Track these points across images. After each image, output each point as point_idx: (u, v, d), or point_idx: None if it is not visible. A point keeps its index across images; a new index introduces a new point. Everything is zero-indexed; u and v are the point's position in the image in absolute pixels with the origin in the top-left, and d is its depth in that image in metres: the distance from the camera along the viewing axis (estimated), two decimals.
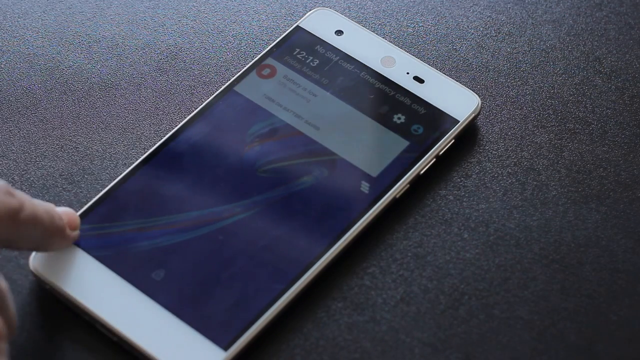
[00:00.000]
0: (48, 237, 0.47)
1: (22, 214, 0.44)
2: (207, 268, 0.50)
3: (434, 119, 0.54)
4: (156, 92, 0.57)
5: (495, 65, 0.58)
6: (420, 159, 0.53)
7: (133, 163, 0.54)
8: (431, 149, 0.53)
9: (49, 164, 0.54)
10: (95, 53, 0.58)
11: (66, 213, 0.48)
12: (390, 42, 0.58)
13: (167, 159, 0.53)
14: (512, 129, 0.56)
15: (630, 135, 0.56)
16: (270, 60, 0.56)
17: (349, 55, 0.57)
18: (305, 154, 0.53)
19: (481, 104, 0.55)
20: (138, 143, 0.55)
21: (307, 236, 0.51)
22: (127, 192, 0.52)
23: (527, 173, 0.55)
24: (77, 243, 0.50)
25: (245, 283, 0.49)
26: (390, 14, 0.60)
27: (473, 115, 0.55)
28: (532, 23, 0.60)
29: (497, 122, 0.56)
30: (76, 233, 0.49)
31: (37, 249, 0.48)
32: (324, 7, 0.59)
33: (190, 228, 0.51)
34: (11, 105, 0.56)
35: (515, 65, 0.58)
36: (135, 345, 0.48)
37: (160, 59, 0.58)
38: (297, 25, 0.58)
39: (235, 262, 0.50)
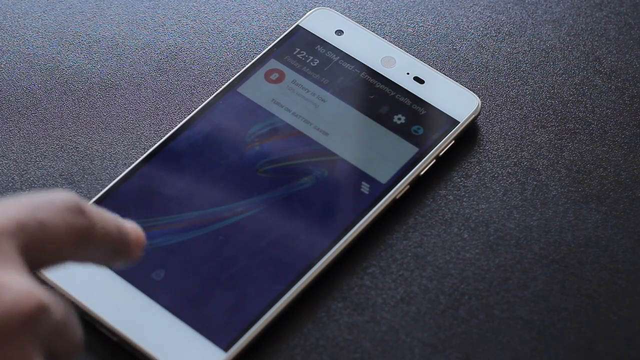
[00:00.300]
0: (115, 255, 0.44)
1: (92, 233, 0.42)
2: (207, 268, 0.50)
3: (434, 120, 0.54)
4: (156, 92, 0.57)
5: (495, 65, 0.58)
6: (420, 160, 0.53)
7: (133, 163, 0.54)
8: (431, 150, 0.53)
9: (49, 164, 0.54)
10: (95, 53, 0.58)
11: (133, 230, 0.45)
12: (390, 42, 0.58)
13: (167, 158, 0.53)
14: (512, 129, 0.56)
15: (630, 135, 0.56)
16: (276, 64, 0.56)
17: (349, 55, 0.57)
18: (304, 154, 0.53)
19: (481, 105, 0.55)
20: (138, 143, 0.55)
21: (307, 237, 0.51)
22: (127, 192, 0.52)
23: (527, 173, 0.55)
24: None
25: (246, 283, 0.49)
26: (390, 14, 0.60)
27: (473, 116, 0.55)
28: (532, 23, 0.60)
29: (497, 122, 0.56)
30: (141, 252, 0.45)
31: (101, 265, 0.45)
32: (324, 6, 0.59)
33: (190, 228, 0.51)
34: (11, 105, 0.56)
35: (515, 65, 0.58)
36: (136, 346, 0.48)
37: (160, 59, 0.58)
38: (298, 25, 0.58)
39: (235, 263, 0.50)
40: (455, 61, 0.58)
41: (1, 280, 0.38)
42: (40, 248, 0.40)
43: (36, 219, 0.40)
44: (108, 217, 0.43)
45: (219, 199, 0.52)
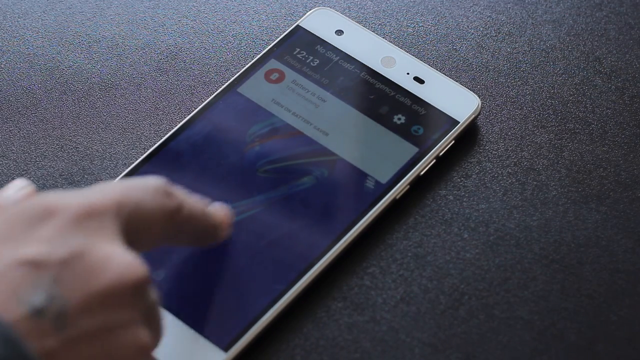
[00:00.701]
0: (203, 236, 0.47)
1: (179, 215, 0.44)
2: (207, 268, 0.50)
3: (434, 120, 0.54)
4: (156, 92, 0.57)
5: (495, 65, 0.58)
6: (420, 160, 0.53)
7: (133, 163, 0.54)
8: (431, 150, 0.53)
9: (49, 164, 0.54)
10: (95, 53, 0.58)
11: (219, 212, 0.48)
12: (390, 42, 0.58)
13: (167, 158, 0.53)
14: (512, 129, 0.56)
15: (630, 135, 0.56)
16: (276, 64, 0.56)
17: (349, 55, 0.57)
18: (304, 154, 0.53)
19: (481, 105, 0.55)
20: (138, 143, 0.55)
21: (307, 237, 0.51)
22: None
23: (527, 173, 0.55)
24: None
25: (246, 283, 0.49)
26: (390, 14, 0.60)
27: (473, 116, 0.55)
28: (532, 23, 0.60)
29: (497, 122, 0.56)
30: (229, 231, 0.49)
31: (191, 245, 0.49)
32: (324, 6, 0.59)
33: None
34: (11, 105, 0.56)
35: (515, 65, 0.58)
36: None
37: (160, 59, 0.58)
38: (298, 25, 0.58)
39: (235, 263, 0.50)
40: (455, 61, 0.58)
41: (109, 250, 0.40)
42: (136, 228, 0.42)
43: (132, 200, 0.42)
44: (194, 200, 0.46)
45: (219, 199, 0.52)
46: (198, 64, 0.58)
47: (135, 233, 0.42)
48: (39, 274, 0.38)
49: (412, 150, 0.53)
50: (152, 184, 0.43)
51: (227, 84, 0.56)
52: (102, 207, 0.41)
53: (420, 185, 0.54)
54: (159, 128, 0.56)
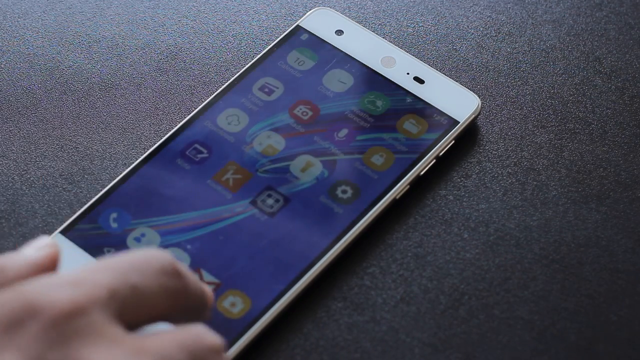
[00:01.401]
0: (196, 317, 0.43)
1: (186, 297, 0.41)
2: (207, 268, 0.50)
3: (434, 120, 0.54)
4: (156, 92, 0.57)
5: (495, 65, 0.58)
6: (420, 160, 0.53)
7: (133, 163, 0.54)
8: (431, 150, 0.53)
9: (49, 164, 0.54)
10: (95, 53, 0.58)
11: (209, 291, 0.44)
12: (390, 42, 0.58)
13: (167, 158, 0.53)
14: (512, 129, 0.56)
15: (630, 135, 0.56)
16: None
17: (349, 55, 0.57)
18: (305, 154, 0.53)
19: (481, 105, 0.55)
20: (138, 143, 0.55)
21: (307, 237, 0.51)
22: (127, 192, 0.52)
23: (527, 173, 0.55)
24: (77, 243, 0.50)
25: (246, 283, 0.49)
26: (390, 14, 0.60)
27: (473, 116, 0.55)
28: (532, 23, 0.60)
29: (497, 122, 0.56)
30: (210, 313, 0.45)
31: (181, 323, 0.43)
32: (324, 6, 0.59)
33: (190, 228, 0.51)
34: (11, 105, 0.56)
35: (515, 65, 0.58)
36: None
37: (160, 59, 0.58)
38: (298, 25, 0.58)
39: (235, 263, 0.50)
40: (455, 61, 0.58)
41: (91, 358, 0.37)
42: (134, 313, 0.39)
43: (128, 284, 0.39)
44: (195, 280, 0.42)
45: (219, 198, 0.52)
46: (198, 64, 0.58)
47: (135, 317, 0.39)
48: None
49: (412, 150, 0.53)
50: (157, 262, 0.40)
51: (227, 84, 0.56)
52: (89, 301, 0.38)
53: (420, 185, 0.54)
54: (159, 128, 0.56)
